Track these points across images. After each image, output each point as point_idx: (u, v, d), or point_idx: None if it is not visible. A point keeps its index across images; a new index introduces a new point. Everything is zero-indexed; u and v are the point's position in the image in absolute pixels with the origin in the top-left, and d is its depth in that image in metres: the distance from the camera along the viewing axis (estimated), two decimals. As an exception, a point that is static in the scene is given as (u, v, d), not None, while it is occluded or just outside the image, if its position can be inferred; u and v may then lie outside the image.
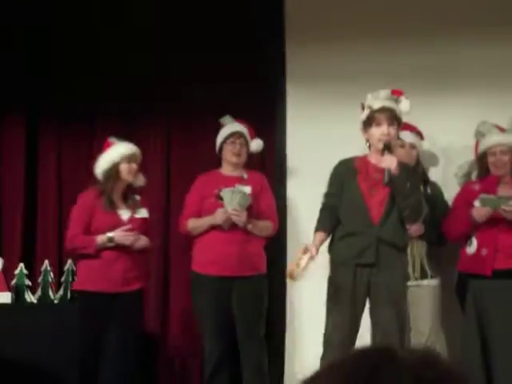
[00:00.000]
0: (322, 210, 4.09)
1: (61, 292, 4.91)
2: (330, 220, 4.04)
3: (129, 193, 4.64)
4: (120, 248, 4.52)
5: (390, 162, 3.90)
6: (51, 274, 4.93)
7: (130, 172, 4.58)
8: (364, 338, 3.95)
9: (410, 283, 4.63)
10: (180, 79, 5.35)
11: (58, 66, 5.44)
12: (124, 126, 5.35)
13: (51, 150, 5.50)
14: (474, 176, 4.79)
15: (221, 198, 4.64)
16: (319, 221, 4.05)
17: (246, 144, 4.87)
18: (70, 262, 4.97)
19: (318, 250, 3.93)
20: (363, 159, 4.07)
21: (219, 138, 4.88)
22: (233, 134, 4.85)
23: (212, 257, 4.61)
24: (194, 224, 4.71)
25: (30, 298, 4.89)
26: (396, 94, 4.07)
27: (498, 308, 4.09)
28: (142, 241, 4.58)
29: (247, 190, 4.71)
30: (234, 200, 4.61)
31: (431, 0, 5.17)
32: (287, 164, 5.26)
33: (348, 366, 1.03)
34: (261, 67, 5.28)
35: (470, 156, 4.82)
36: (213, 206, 4.65)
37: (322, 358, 3.94)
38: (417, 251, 4.72)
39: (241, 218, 4.60)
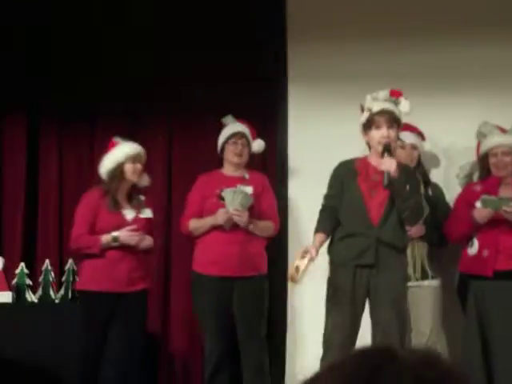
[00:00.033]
0: (321, 212, 4.09)
1: (62, 291, 4.91)
2: (330, 221, 4.04)
3: (133, 193, 4.63)
4: (125, 248, 4.51)
5: (389, 165, 3.90)
6: (52, 273, 4.94)
7: (134, 172, 4.57)
8: (365, 338, 3.95)
9: (410, 284, 4.64)
10: (181, 79, 5.34)
11: (58, 66, 5.44)
12: (125, 126, 5.34)
13: (52, 149, 5.50)
14: (475, 177, 4.79)
15: (222, 199, 4.64)
16: (319, 222, 4.06)
17: (248, 144, 4.87)
18: (70, 261, 4.97)
19: (317, 252, 3.93)
20: (363, 160, 4.07)
21: (221, 138, 4.88)
22: (235, 135, 4.85)
23: (213, 257, 4.61)
24: (195, 224, 4.71)
25: (31, 297, 4.89)
26: (395, 95, 4.07)
27: (499, 309, 4.09)
28: (147, 241, 4.57)
29: (249, 190, 4.71)
30: (235, 200, 4.61)
31: (433, 0, 5.16)
32: (289, 164, 5.26)
33: (348, 367, 1.03)
34: (262, 67, 5.28)
35: (472, 157, 4.82)
36: (214, 207, 4.65)
37: (322, 359, 3.94)
38: (418, 252, 4.72)
39: (242, 219, 4.60)
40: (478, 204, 4.51)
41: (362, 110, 4.06)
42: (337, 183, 4.07)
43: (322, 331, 3.99)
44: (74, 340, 4.54)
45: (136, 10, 5.40)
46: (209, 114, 5.21)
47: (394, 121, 4.00)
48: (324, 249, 4.08)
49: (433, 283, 4.74)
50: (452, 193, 4.87)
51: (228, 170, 4.85)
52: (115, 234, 4.48)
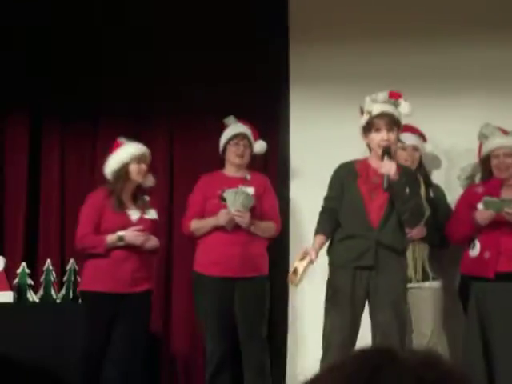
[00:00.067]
0: (321, 213, 4.09)
1: (63, 291, 4.91)
2: (330, 223, 4.04)
3: (138, 193, 4.62)
4: (130, 248, 4.49)
5: (388, 168, 3.89)
6: (53, 273, 4.94)
7: (139, 173, 4.56)
8: (365, 339, 3.95)
9: (411, 285, 4.64)
10: (183, 79, 5.34)
11: (59, 66, 5.44)
12: (126, 126, 5.34)
13: (54, 149, 5.50)
14: (477, 179, 4.78)
15: (224, 199, 4.64)
16: (319, 224, 4.06)
17: (250, 145, 4.87)
18: (72, 261, 4.97)
19: (317, 254, 3.93)
20: (364, 162, 4.07)
21: (223, 139, 4.88)
22: (236, 136, 4.85)
23: (215, 257, 4.61)
24: (197, 225, 4.72)
25: (32, 297, 4.89)
26: (394, 97, 4.06)
27: (501, 311, 4.09)
28: (153, 241, 4.56)
29: (250, 190, 4.71)
30: (237, 201, 4.61)
31: (434, 1, 5.16)
32: (290, 165, 5.26)
33: (349, 367, 1.03)
34: (264, 68, 5.28)
35: (473, 158, 4.82)
36: (216, 207, 4.65)
37: (322, 361, 3.94)
38: (418, 254, 4.72)
39: (244, 219, 4.60)
40: (480, 206, 4.51)
41: (362, 112, 4.06)
42: (337, 185, 4.07)
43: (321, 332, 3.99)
44: (76, 340, 4.53)
45: (136, 10, 5.39)
46: (210, 114, 5.21)
47: (393, 123, 4.00)
48: (325, 250, 4.08)
49: (434, 285, 4.74)
50: (453, 194, 4.86)
51: (230, 170, 4.85)
52: (121, 233, 4.47)
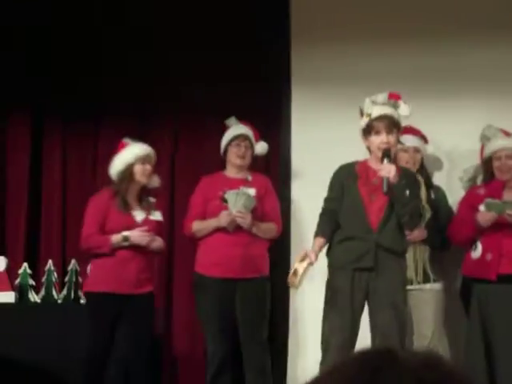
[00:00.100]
0: (321, 215, 4.09)
1: (64, 292, 4.92)
2: (330, 225, 4.04)
3: (143, 194, 4.61)
4: (135, 248, 4.47)
5: (388, 171, 3.88)
6: (55, 273, 4.94)
7: (143, 174, 4.55)
8: (365, 340, 3.94)
9: (412, 287, 4.64)
10: (184, 80, 5.34)
11: (59, 66, 5.44)
12: (129, 126, 5.34)
13: (56, 149, 5.50)
14: (479, 180, 4.78)
15: (225, 201, 4.64)
16: (319, 226, 4.06)
17: (251, 146, 4.87)
18: (73, 261, 4.98)
19: (317, 256, 3.94)
20: (364, 164, 4.07)
21: (224, 141, 4.88)
22: (238, 137, 4.85)
23: (216, 259, 4.61)
24: (198, 226, 4.72)
25: (34, 297, 4.90)
26: (393, 98, 4.06)
27: (502, 312, 4.09)
28: (158, 242, 4.55)
29: (251, 192, 4.71)
30: (238, 202, 4.61)
31: (436, 3, 5.16)
32: (291, 166, 5.26)
33: (349, 369, 1.03)
34: (266, 68, 5.28)
35: (475, 160, 4.82)
36: (217, 208, 4.65)
37: (322, 363, 3.95)
38: (419, 255, 4.72)
39: (246, 220, 4.60)
40: (482, 207, 4.50)
41: (362, 113, 4.06)
42: (337, 186, 4.07)
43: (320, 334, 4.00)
44: (77, 340, 4.54)
45: (137, 10, 5.39)
46: (212, 115, 5.21)
47: (393, 125, 4.00)
48: (325, 252, 4.08)
49: (435, 286, 4.74)
50: (455, 196, 4.86)
51: (231, 171, 4.85)
52: (126, 233, 4.46)
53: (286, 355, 5.07)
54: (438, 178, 5.02)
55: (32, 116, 5.50)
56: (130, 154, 4.56)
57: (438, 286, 4.75)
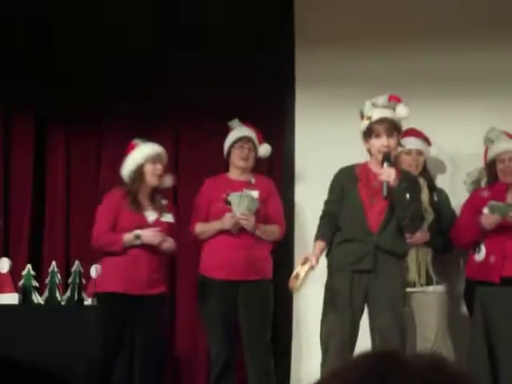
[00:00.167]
0: (321, 218, 4.09)
1: (68, 293, 4.92)
2: (330, 228, 4.04)
3: (156, 194, 4.59)
4: (146, 248, 4.45)
5: (388, 175, 3.88)
6: (58, 275, 4.94)
7: (154, 173, 4.52)
8: (365, 342, 3.94)
9: (415, 289, 4.64)
10: (187, 80, 5.35)
11: (62, 65, 5.44)
12: (132, 125, 5.33)
13: (59, 149, 5.50)
14: (483, 183, 4.78)
15: (229, 203, 4.64)
16: (319, 229, 4.06)
17: (254, 149, 4.87)
18: (77, 263, 4.98)
19: (317, 260, 3.94)
20: (364, 166, 4.07)
21: (227, 143, 4.88)
22: (241, 139, 4.85)
23: (220, 261, 4.61)
24: (201, 228, 4.72)
25: (37, 299, 4.90)
26: (393, 100, 4.06)
27: (506, 315, 4.09)
28: (169, 243, 4.52)
29: (255, 194, 4.72)
30: (242, 204, 4.61)
31: (439, 5, 5.16)
32: (295, 168, 5.25)
33: (355, 372, 1.03)
34: (269, 69, 5.27)
35: (478, 163, 4.81)
36: (220, 211, 4.66)
37: (322, 365, 3.95)
38: (422, 258, 4.72)
39: (249, 223, 4.61)
40: (486, 210, 4.50)
41: (362, 116, 4.06)
42: (337, 189, 4.07)
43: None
44: (80, 342, 4.54)
45: (138, 10, 5.39)
46: (215, 116, 5.21)
47: (393, 128, 3.99)
48: (325, 253, 4.08)
49: (438, 289, 4.74)
50: (458, 198, 4.86)
51: (234, 174, 4.85)
52: (138, 232, 4.44)
53: (289, 357, 5.07)
54: (440, 181, 5.02)
55: (36, 116, 5.50)
56: (141, 154, 4.56)
57: (440, 288, 4.75)
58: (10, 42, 5.37)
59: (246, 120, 4.94)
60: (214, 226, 4.67)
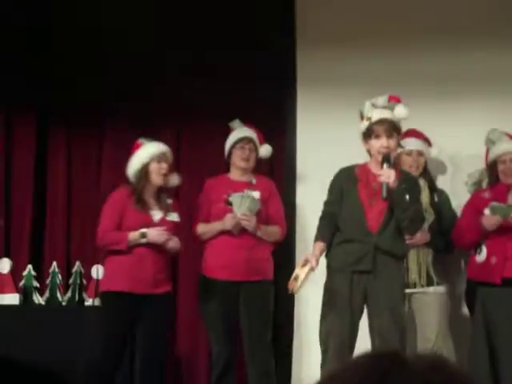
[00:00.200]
0: (321, 219, 4.09)
1: (69, 294, 4.92)
2: (329, 229, 4.04)
3: (162, 193, 4.58)
4: (152, 247, 4.43)
5: (387, 176, 3.88)
6: (59, 275, 4.95)
7: (159, 172, 4.52)
8: (365, 342, 3.94)
9: (416, 290, 4.64)
10: (187, 80, 5.35)
11: (63, 66, 5.44)
12: (134, 125, 5.33)
13: (60, 150, 5.50)
14: (484, 184, 4.78)
15: (230, 204, 4.64)
16: (319, 230, 4.06)
17: (255, 149, 4.87)
18: (78, 263, 4.98)
19: (317, 261, 3.94)
20: (364, 167, 4.06)
21: (228, 143, 4.88)
22: (242, 139, 4.84)
23: (222, 262, 4.61)
24: (203, 229, 4.72)
25: (38, 299, 4.91)
26: (393, 101, 4.05)
27: (507, 316, 4.09)
28: (175, 242, 4.51)
29: (256, 195, 4.72)
30: (243, 205, 4.61)
31: (440, 5, 5.16)
32: (297, 169, 5.25)
33: (358, 373, 1.03)
34: (271, 70, 5.27)
35: (478, 163, 4.81)
36: (221, 211, 4.66)
37: (322, 365, 3.95)
38: (423, 258, 4.72)
39: (250, 223, 4.61)
40: (487, 211, 4.50)
41: (362, 117, 4.06)
42: (336, 189, 4.07)
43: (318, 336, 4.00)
44: (81, 343, 4.54)
45: (138, 10, 5.39)
46: (216, 116, 5.21)
47: (393, 129, 3.99)
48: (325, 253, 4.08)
49: (438, 289, 4.73)
50: (459, 199, 4.86)
51: (235, 174, 4.85)
52: (143, 230, 4.43)
53: (290, 357, 5.07)
54: (442, 182, 5.02)
55: (37, 117, 5.51)
56: (146, 153, 4.55)
57: (441, 289, 4.75)
58: (10, 42, 5.37)
59: (246, 120, 4.94)
60: (215, 226, 4.67)
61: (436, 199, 4.81)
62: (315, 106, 5.19)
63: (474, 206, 4.61)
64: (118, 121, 5.44)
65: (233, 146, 4.85)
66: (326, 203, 4.11)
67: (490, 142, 4.72)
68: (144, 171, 4.51)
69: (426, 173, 4.83)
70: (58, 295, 4.89)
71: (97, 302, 4.86)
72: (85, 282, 4.94)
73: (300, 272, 3.91)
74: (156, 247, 4.45)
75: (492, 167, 4.68)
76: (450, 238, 4.71)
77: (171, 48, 5.40)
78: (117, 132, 5.42)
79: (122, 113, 5.43)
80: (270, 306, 4.70)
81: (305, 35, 5.27)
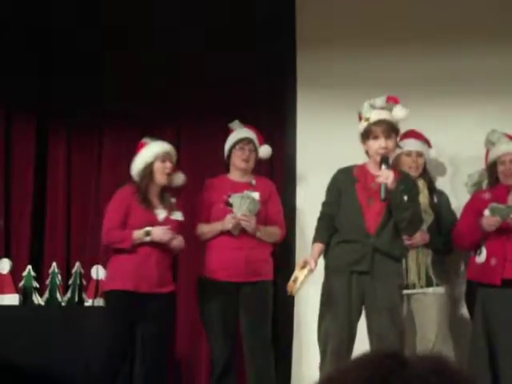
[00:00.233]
0: (319, 220, 4.09)
1: (68, 295, 4.92)
2: (328, 230, 4.04)
3: (166, 192, 4.58)
4: (156, 246, 4.43)
5: (385, 177, 3.88)
6: (59, 276, 4.94)
7: (163, 172, 4.52)
8: (364, 342, 3.94)
9: (415, 291, 4.64)
10: (189, 81, 5.35)
11: (63, 66, 5.45)
12: (134, 126, 5.33)
13: (60, 150, 5.50)
14: (484, 185, 4.78)
15: (230, 204, 4.64)
16: (317, 231, 4.06)
17: (255, 150, 4.87)
18: (78, 264, 4.98)
19: (316, 263, 3.94)
20: (362, 168, 4.06)
21: (228, 144, 4.88)
22: (242, 140, 4.84)
23: (221, 262, 4.61)
24: (203, 229, 4.72)
25: (38, 300, 4.90)
26: (391, 101, 4.05)
27: (507, 317, 4.09)
28: (179, 241, 4.51)
29: (255, 195, 4.72)
30: (243, 205, 4.61)
31: (441, 7, 5.16)
32: (297, 170, 5.25)
33: (359, 374, 1.03)
34: (271, 71, 5.27)
35: (478, 164, 4.81)
36: (221, 212, 4.66)
37: (321, 366, 3.95)
38: (422, 259, 4.72)
39: (250, 224, 4.61)
40: (487, 212, 4.50)
41: (360, 117, 4.06)
42: (334, 190, 4.07)
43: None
44: (81, 343, 4.54)
45: (139, 10, 5.39)
46: (216, 116, 5.21)
47: (391, 130, 3.99)
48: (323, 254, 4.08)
49: (437, 290, 4.73)
50: (458, 200, 4.86)
51: (235, 175, 4.85)
52: (148, 228, 4.42)
53: (290, 358, 5.07)
54: (441, 183, 5.02)
55: (37, 116, 5.50)
56: (150, 152, 4.55)
57: (440, 289, 4.74)
58: (9, 42, 5.37)
59: (246, 121, 4.94)
60: (215, 227, 4.67)
61: (435, 200, 4.81)
62: (315, 106, 5.19)
63: (474, 207, 4.61)
64: (118, 119, 5.44)
65: (232, 147, 4.85)
66: (324, 204, 4.11)
67: (489, 143, 4.72)
68: (148, 170, 4.51)
69: (425, 174, 4.83)
70: (58, 296, 4.89)
71: (96, 302, 4.86)
72: (84, 282, 4.94)
73: (299, 274, 3.92)
74: (160, 246, 4.45)
75: (492, 168, 4.68)
76: (449, 238, 4.71)
77: (171, 48, 5.39)
78: (116, 131, 5.42)
79: (121, 111, 5.43)
80: (270, 307, 4.70)
81: (305, 35, 5.27)
